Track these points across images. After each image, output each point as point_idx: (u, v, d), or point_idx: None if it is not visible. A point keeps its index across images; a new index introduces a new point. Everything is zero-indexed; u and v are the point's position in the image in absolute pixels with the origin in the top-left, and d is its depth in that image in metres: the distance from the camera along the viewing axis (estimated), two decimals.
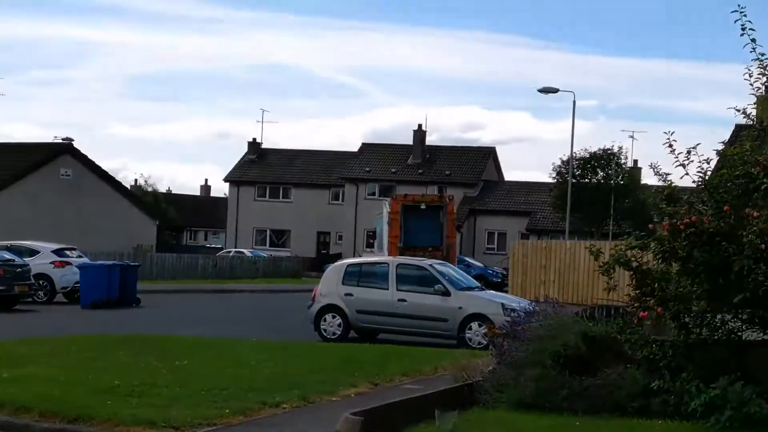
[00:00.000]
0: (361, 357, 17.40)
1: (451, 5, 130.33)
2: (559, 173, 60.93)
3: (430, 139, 76.26)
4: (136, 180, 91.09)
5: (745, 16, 12.13)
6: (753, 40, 12.17)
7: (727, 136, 28.00)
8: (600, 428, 10.61)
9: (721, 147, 12.49)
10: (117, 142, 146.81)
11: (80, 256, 34.18)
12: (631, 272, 12.18)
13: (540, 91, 47.46)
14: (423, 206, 38.20)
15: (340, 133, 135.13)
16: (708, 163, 12.22)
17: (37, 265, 31.37)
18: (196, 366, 15.28)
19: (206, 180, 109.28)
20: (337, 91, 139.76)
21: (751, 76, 12.23)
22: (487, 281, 45.80)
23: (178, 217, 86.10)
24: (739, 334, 12.09)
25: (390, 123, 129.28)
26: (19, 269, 29.29)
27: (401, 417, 10.32)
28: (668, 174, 12.48)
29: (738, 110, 12.47)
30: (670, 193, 12.28)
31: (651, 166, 12.51)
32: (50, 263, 32.39)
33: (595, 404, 11.39)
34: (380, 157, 74.06)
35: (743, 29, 12.12)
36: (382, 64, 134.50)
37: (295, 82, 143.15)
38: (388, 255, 35.11)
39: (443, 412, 9.36)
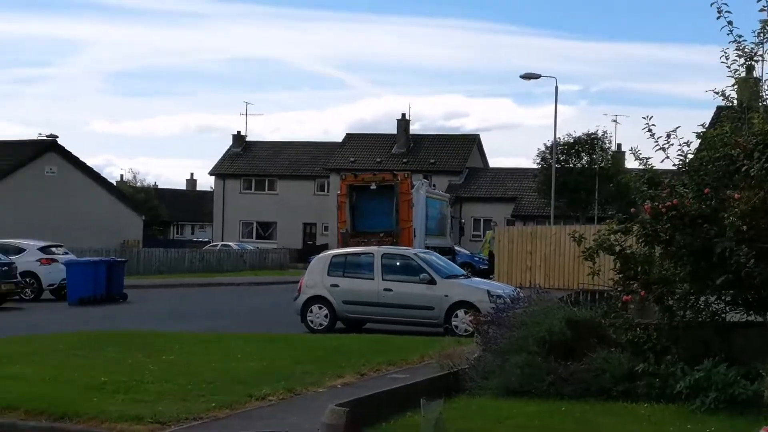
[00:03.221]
0: (347, 347, 17.42)
1: None
2: (543, 159, 61.02)
3: (414, 128, 76.45)
4: (122, 176, 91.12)
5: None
6: (729, 23, 12.18)
7: (708, 119, 28.08)
8: (586, 412, 10.62)
9: (701, 130, 12.50)
10: (100, 139, 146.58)
11: (66, 253, 34.11)
12: (614, 256, 12.22)
13: (522, 77, 47.25)
14: (373, 186, 35.23)
15: (324, 124, 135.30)
16: (688, 145, 12.25)
17: (23, 263, 31.35)
18: (182, 361, 15.28)
19: (192, 174, 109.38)
20: (320, 83, 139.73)
21: (728, 59, 12.24)
22: (473, 269, 45.84)
23: (165, 211, 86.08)
24: (723, 315, 12.12)
25: (373, 113, 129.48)
26: (5, 267, 29.21)
27: (387, 407, 10.34)
28: (649, 158, 12.52)
29: (717, 93, 12.47)
30: (651, 177, 12.30)
31: (631, 150, 12.56)
32: (36, 261, 32.32)
33: (581, 389, 11.40)
34: (365, 147, 74.02)
35: (719, 12, 12.14)
36: (362, 55, 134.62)
37: (276, 74, 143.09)
38: (339, 244, 33.96)
39: (428, 401, 9.35)
